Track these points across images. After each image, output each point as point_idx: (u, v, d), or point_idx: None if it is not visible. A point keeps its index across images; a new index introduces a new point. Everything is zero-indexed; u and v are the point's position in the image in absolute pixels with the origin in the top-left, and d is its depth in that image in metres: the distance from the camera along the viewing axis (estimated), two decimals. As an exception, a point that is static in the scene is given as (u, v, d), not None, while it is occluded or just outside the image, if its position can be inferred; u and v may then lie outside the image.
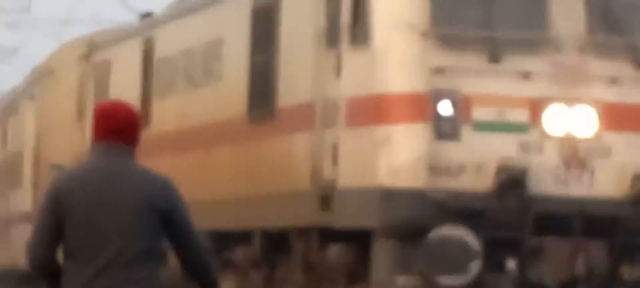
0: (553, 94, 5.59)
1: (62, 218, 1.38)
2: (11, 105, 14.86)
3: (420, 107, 5.38)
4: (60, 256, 1.39)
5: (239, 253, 7.52)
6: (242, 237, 7.48)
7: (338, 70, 6.11)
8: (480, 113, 5.47)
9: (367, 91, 5.72)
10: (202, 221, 7.51)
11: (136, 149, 1.48)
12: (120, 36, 10.83)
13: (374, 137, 5.56)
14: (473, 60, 5.47)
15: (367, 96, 5.77)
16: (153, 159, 8.70)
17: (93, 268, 1.33)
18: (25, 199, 12.00)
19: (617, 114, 5.55)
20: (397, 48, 5.69)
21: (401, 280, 5.33)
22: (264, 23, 7.28)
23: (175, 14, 9.04)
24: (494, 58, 5.46)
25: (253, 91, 7.35)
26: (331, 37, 6.22)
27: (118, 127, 1.42)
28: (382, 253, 5.54)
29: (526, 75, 5.54)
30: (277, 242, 7.04)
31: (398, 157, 5.48)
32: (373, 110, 5.73)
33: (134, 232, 1.34)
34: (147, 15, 10.55)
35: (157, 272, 1.40)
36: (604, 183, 5.46)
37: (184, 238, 1.42)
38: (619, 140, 5.55)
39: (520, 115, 5.52)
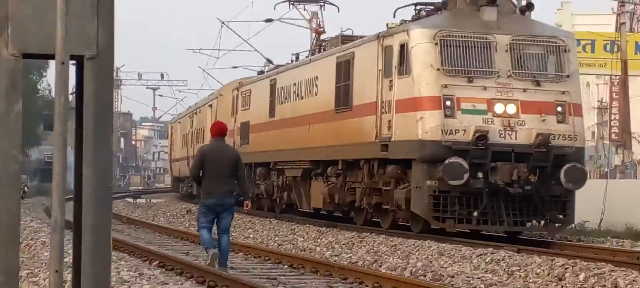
0: (497, 96, 11.46)
1: (203, 162, 7.81)
2: (198, 109, 28.24)
3: (436, 103, 11.24)
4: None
5: (330, 170, 14.02)
6: (331, 163, 14.07)
7: (391, 87, 12.09)
8: (464, 105, 11.36)
9: (409, 96, 11.61)
10: (306, 155, 15.15)
11: (226, 137, 8.78)
12: (255, 79, 20.49)
13: (414, 117, 11.39)
14: (460, 81, 11.41)
15: (408, 99, 11.70)
16: (277, 129, 16.93)
17: (215, 180, 7.76)
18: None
19: (526, 105, 11.41)
20: (424, 76, 11.59)
21: (428, 182, 11.06)
22: (343, 67, 13.62)
23: (287, 67, 17.32)
24: (470, 80, 11.44)
25: (337, 98, 13.69)
26: (386, 72, 12.17)
27: (218, 131, 8.20)
28: (417, 170, 11.29)
29: (484, 88, 11.45)
30: (350, 165, 13.42)
31: (426, 126, 11.26)
32: (413, 104, 11.56)
33: (228, 168, 7.80)
34: (269, 61, 18.21)
35: (234, 182, 7.95)
36: (522, 137, 11.33)
37: (239, 173, 8.02)
38: (527, 117, 11.43)
39: (482, 106, 11.33)
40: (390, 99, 11.83)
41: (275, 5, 20.33)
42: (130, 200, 30.64)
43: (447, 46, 11.40)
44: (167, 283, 6.56)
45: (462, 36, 11.57)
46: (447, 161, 10.82)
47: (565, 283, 7.40)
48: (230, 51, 35.74)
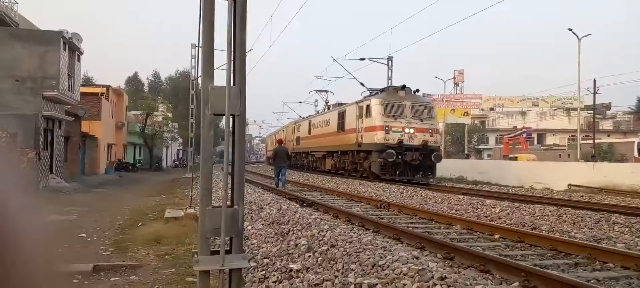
0: (407, 125, 26.14)
1: (275, 152, 22.34)
2: (280, 130, 47.99)
3: (382, 128, 26.14)
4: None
5: (335, 155, 29.32)
6: (335, 152, 29.30)
7: (362, 121, 26.35)
8: (392, 129, 26.35)
9: (370, 125, 26.45)
10: (324, 149, 31.55)
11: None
12: (301, 120, 39.39)
13: (374, 134, 26.14)
14: (390, 119, 26.32)
15: (370, 126, 26.36)
16: (312, 139, 33.92)
17: (280, 159, 22.16)
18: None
19: (418, 129, 26.20)
20: (377, 117, 24.70)
21: (379, 159, 23.79)
22: (341, 115, 28.43)
23: (315, 115, 35.20)
24: (396, 118, 26.39)
25: (338, 126, 28.77)
26: (360, 115, 25.96)
27: (280, 141, 24.75)
28: (375, 155, 25.89)
29: (401, 121, 26.30)
30: (343, 153, 28.34)
31: (379, 137, 25.87)
32: (372, 129, 26.20)
33: (287, 157, 22.65)
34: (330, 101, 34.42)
35: (287, 161, 22.67)
36: (416, 142, 26.19)
37: (289, 157, 23.77)
38: (419, 134, 26.15)
39: (400, 128, 26.33)
40: (361, 126, 25.33)
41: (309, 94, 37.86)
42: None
43: (386, 106, 24.08)
44: (257, 192, 21.07)
45: (391, 102, 24.37)
46: (387, 151, 22.79)
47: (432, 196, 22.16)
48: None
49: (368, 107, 25.08)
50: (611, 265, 6.67)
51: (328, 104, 37.11)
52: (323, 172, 31.15)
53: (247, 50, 4.65)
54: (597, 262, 6.83)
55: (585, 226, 10.02)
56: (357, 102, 26.49)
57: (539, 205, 12.21)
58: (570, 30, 36.02)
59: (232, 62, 4.20)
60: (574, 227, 9.95)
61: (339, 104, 31.48)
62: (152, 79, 71.71)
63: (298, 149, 39.14)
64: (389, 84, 32.41)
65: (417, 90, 26.52)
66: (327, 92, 41.27)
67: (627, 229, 9.35)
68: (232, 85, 4.06)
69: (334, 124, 29.36)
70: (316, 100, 58.27)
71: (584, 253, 7.16)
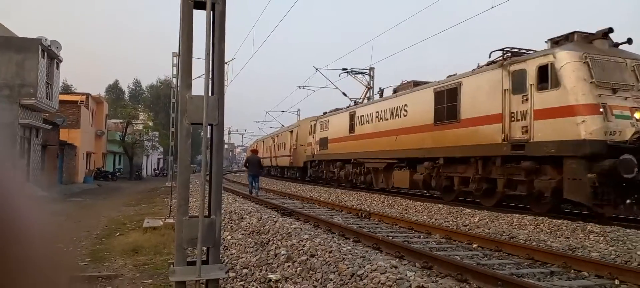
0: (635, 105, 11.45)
1: (247, 163, 22.72)
2: (282, 132, 42.82)
3: (597, 111, 11.22)
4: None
5: (426, 164, 17.36)
6: (423, 159, 17.44)
7: (525, 101, 12.63)
8: (615, 112, 11.46)
9: (561, 105, 11.67)
10: (392, 154, 19.76)
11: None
12: (331, 113, 28.20)
13: (567, 117, 11.53)
14: (607, 93, 11.42)
15: (559, 107, 11.69)
16: (359, 141, 23.02)
17: (252, 171, 23.86)
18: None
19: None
20: (581, 88, 11.35)
21: (589, 175, 11.06)
22: (447, 94, 16.05)
23: (364, 104, 24.85)
24: (616, 91, 11.90)
25: (435, 115, 16.56)
26: (518, 87, 12.93)
27: (253, 151, 24.57)
28: (574, 164, 11.99)
29: (625, 97, 11.52)
30: (454, 162, 15.65)
31: (585, 129, 11.05)
32: (566, 112, 11.51)
33: (259, 166, 22.57)
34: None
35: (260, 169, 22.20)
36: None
37: (261, 166, 23.04)
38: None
39: (629, 112, 11.72)
40: (522, 110, 12.79)
41: (340, 74, 30.99)
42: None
43: (594, 65, 11.66)
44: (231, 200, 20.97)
45: (600, 58, 11.93)
46: (624, 157, 10.89)
47: (412, 206, 22.10)
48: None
49: (547, 68, 12.36)
50: (586, 273, 6.79)
51: (380, 90, 24.93)
52: (389, 193, 20.50)
53: (228, 60, 4.65)
54: (572, 271, 6.94)
55: (561, 235, 10.18)
56: (502, 65, 13.83)
57: (518, 215, 12.40)
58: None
59: (211, 71, 4.21)
60: (551, 236, 10.11)
61: (415, 84, 19.86)
62: (133, 87, 71.03)
63: (324, 156, 28.32)
64: (377, 89, 26.28)
65: (629, 39, 13.15)
66: (370, 74, 31.24)
67: (601, 238, 9.53)
68: (210, 94, 4.06)
69: (422, 112, 17.76)
70: (299, 110, 58.14)
71: (559, 262, 7.28)
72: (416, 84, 19.69)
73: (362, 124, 23.38)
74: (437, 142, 16.59)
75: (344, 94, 30.58)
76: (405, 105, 19.23)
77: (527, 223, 11.52)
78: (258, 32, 31.80)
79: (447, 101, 16.25)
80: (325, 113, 29.98)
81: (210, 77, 4.14)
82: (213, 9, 4.05)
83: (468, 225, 11.79)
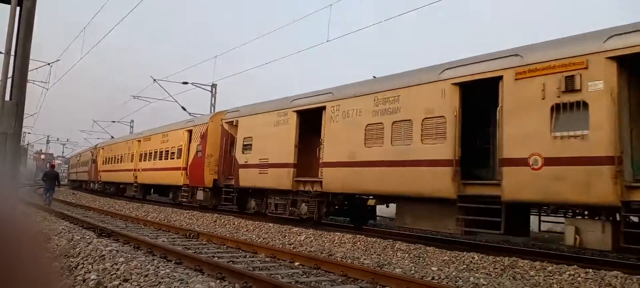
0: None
1: (44, 176, 22.02)
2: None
3: None
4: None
5: None
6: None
7: None
8: None
9: None
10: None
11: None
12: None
13: None
14: None
15: None
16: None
17: (48, 184, 21.93)
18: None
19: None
20: None
21: None
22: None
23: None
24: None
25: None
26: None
27: (52, 166, 22.00)
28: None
29: None
30: None
31: None
32: None
33: (55, 180, 21.68)
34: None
35: (55, 183, 25.25)
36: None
37: (58, 179, 21.89)
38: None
39: None
40: None
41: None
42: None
43: None
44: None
45: None
46: None
47: (244, 224, 22.11)
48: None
49: None
50: (389, 288, 7.51)
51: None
52: (221, 212, 19.85)
53: (51, 61, 4.20)
54: (378, 286, 7.62)
55: (374, 252, 11.13)
56: None
57: (339, 233, 13.23)
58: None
59: (10, 72, 3.77)
60: (365, 253, 10.98)
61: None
62: None
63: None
64: (212, 110, 27.69)
65: None
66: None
67: (407, 255, 10.66)
68: (8, 99, 3.65)
69: None
70: (132, 121, 54.70)
71: (368, 277, 7.93)
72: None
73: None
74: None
75: (183, 108, 29.57)
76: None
77: (346, 241, 12.36)
78: (89, 37, 28.61)
79: None
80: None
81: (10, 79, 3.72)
82: (20, 4, 3.65)
83: (293, 243, 12.21)
